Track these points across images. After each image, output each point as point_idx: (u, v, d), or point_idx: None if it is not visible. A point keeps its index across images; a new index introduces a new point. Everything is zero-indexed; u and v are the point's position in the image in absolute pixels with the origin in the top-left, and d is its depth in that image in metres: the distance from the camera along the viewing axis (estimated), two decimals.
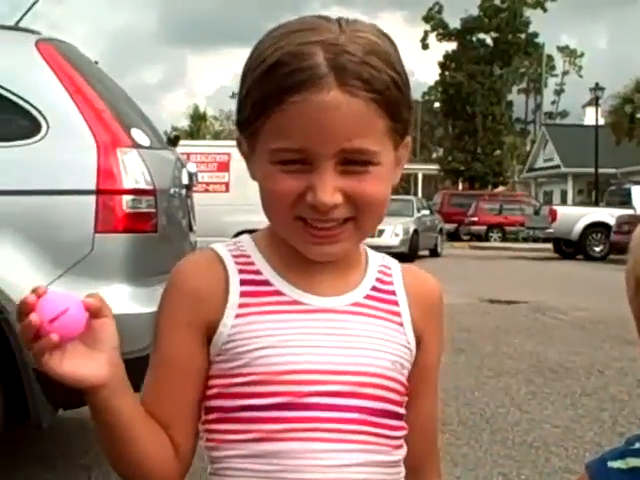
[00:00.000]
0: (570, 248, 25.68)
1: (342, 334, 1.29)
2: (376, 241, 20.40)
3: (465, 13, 64.73)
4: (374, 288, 1.35)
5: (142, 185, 4.14)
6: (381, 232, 21.54)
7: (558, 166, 51.42)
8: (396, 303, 1.35)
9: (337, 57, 1.19)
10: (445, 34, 66.27)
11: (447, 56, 64.17)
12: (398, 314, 1.35)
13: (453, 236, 38.01)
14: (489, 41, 64.73)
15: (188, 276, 1.32)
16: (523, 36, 64.64)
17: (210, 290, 1.30)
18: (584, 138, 42.79)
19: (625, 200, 26.77)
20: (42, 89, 4.21)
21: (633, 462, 1.21)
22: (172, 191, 4.73)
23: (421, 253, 24.48)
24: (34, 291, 1.14)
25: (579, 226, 25.01)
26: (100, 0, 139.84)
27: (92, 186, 4.02)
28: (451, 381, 6.61)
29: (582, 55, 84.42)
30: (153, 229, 4.23)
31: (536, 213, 30.48)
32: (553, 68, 78.45)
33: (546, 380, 7.14)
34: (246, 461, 1.27)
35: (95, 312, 1.18)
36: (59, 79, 4.18)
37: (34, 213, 4.05)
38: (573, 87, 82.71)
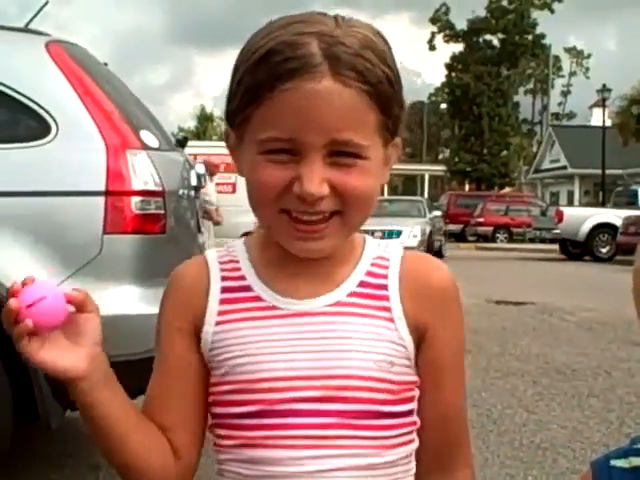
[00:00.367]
0: (577, 249, 25.62)
1: (319, 337, 1.27)
2: (394, 242, 20.50)
3: (472, 14, 64.80)
4: (362, 283, 1.31)
5: (151, 186, 4.16)
6: (399, 233, 21.50)
7: (565, 167, 51.35)
8: (387, 298, 1.30)
9: (332, 47, 1.18)
10: (452, 35, 66.33)
11: (454, 57, 64.25)
12: (388, 309, 1.29)
13: (459, 237, 38.01)
14: (496, 42, 64.78)
15: (177, 283, 1.36)
16: (530, 37, 64.64)
17: (194, 297, 1.32)
18: (591, 139, 42.75)
19: (632, 201, 26.79)
20: (52, 91, 4.23)
21: (636, 461, 1.22)
22: (181, 192, 4.75)
23: None
24: (23, 280, 1.18)
25: (586, 227, 24.95)
26: (107, 1, 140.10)
27: (101, 187, 4.04)
28: None
29: (589, 56, 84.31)
30: (162, 230, 4.24)
31: (543, 214, 30.51)
32: (560, 69, 78.34)
33: (553, 381, 7.14)
34: (240, 466, 1.28)
35: (78, 305, 1.21)
36: (69, 81, 4.20)
37: (43, 214, 4.07)
38: (580, 88, 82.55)
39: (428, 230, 23.25)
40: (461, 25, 65.60)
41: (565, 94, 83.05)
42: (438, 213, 27.09)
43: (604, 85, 40.98)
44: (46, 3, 5.57)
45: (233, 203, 12.66)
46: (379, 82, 1.20)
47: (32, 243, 3.97)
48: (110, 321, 4.14)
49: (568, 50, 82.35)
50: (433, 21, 68.22)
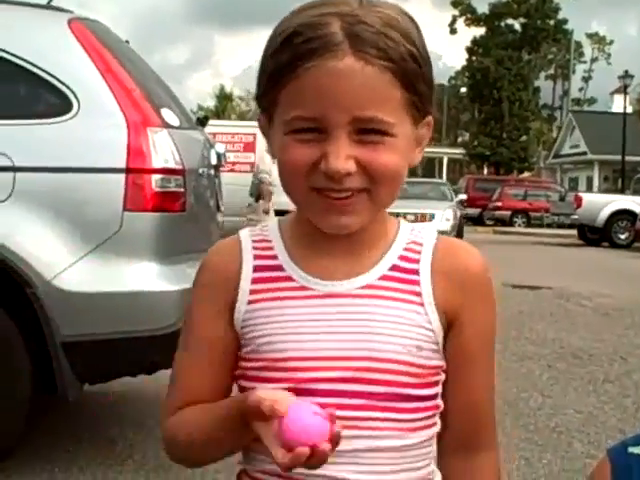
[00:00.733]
0: (595, 235, 25.50)
1: (348, 319, 1.28)
2: (429, 227, 20.27)
3: None
4: (394, 267, 1.32)
5: (171, 165, 4.17)
6: (432, 216, 21.15)
7: (584, 153, 51.10)
8: (417, 283, 1.31)
9: (353, 26, 1.19)
10: (473, 19, 65.94)
11: (475, 41, 63.84)
12: (418, 294, 1.30)
13: (477, 221, 37.84)
14: (517, 27, 64.33)
15: (212, 261, 1.38)
16: (552, 22, 64.16)
17: (227, 276, 1.33)
18: (611, 125, 42.49)
19: None
20: (74, 68, 4.24)
21: None
22: (201, 171, 4.76)
23: None
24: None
25: (604, 213, 24.82)
26: None
27: (122, 164, 4.06)
28: None
29: (611, 42, 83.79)
30: (181, 208, 4.26)
31: (561, 199, 30.34)
32: (582, 55, 77.86)
33: (569, 366, 7.13)
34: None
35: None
36: (91, 58, 4.21)
37: (64, 190, 4.09)
38: (601, 74, 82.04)
39: (459, 214, 22.85)
40: (483, 9, 65.27)
41: (586, 80, 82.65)
42: (463, 196, 26.82)
43: (626, 71, 40.67)
44: None
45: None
46: (402, 59, 1.21)
47: (52, 219, 4.00)
48: (129, 297, 4.22)
49: (590, 36, 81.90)
50: (454, 4, 67.78)
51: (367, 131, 1.21)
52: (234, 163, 12.81)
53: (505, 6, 63.64)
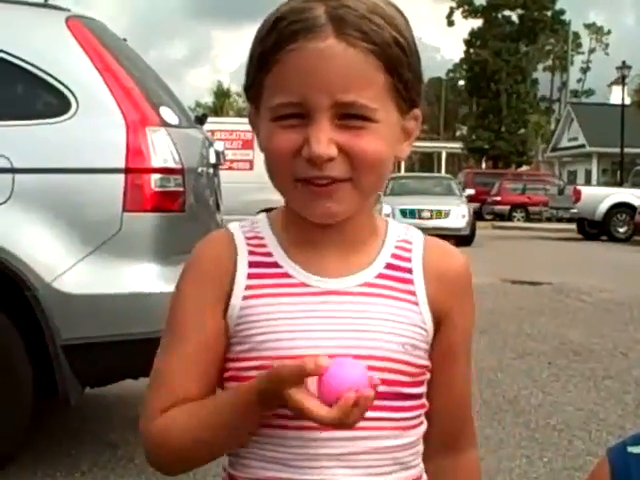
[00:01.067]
0: (594, 229, 25.52)
1: (348, 317, 1.26)
2: (442, 222, 19.79)
3: None
4: (389, 265, 1.31)
5: (170, 164, 4.16)
6: (447, 213, 20.76)
7: (583, 145, 51.07)
8: (411, 282, 1.30)
9: (337, 9, 1.19)
10: (471, 11, 65.78)
11: (472, 33, 63.74)
12: (413, 293, 1.30)
13: (476, 215, 37.79)
14: (515, 18, 64.16)
15: (202, 256, 1.33)
16: (549, 13, 64.03)
17: (220, 271, 1.30)
18: (610, 117, 42.40)
19: None
20: (72, 67, 4.23)
21: None
22: (200, 170, 4.74)
23: None
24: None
25: (603, 206, 24.82)
26: None
27: (121, 165, 4.05)
28: (473, 362, 6.60)
29: (609, 32, 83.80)
30: (181, 208, 4.25)
31: (560, 193, 30.26)
32: (579, 46, 77.82)
33: (569, 362, 7.13)
34: (262, 447, 1.27)
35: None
36: (89, 57, 4.20)
37: (63, 191, 4.08)
38: (599, 65, 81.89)
39: (472, 210, 22.40)
40: (480, 0, 65.15)
41: (584, 71, 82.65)
42: (471, 192, 26.58)
43: (624, 62, 40.67)
44: None
45: (251, 180, 12.66)
46: (386, 44, 1.20)
47: (52, 221, 3.98)
48: (129, 299, 4.20)
49: (588, 26, 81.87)
50: None
51: (349, 116, 1.20)
52: (232, 161, 12.76)
53: None
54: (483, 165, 60.67)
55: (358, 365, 1.15)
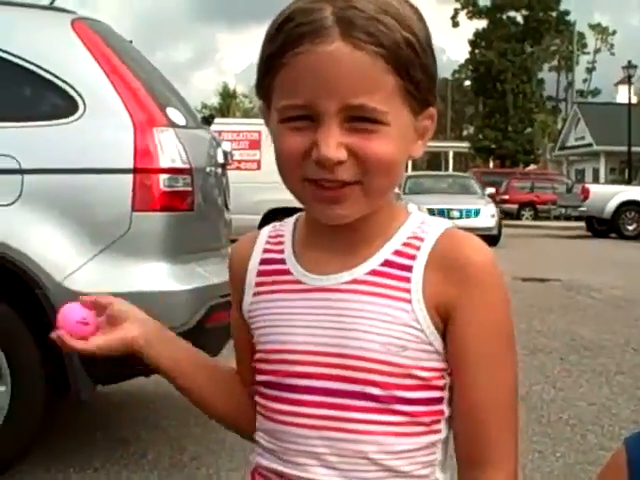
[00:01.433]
0: (603, 226, 25.46)
1: (330, 314, 1.25)
2: (473, 222, 19.29)
3: None
4: (386, 262, 1.26)
5: (178, 164, 4.16)
6: (477, 212, 20.48)
7: (590, 144, 50.95)
8: (408, 280, 1.23)
9: (344, 11, 1.16)
10: (475, 12, 65.79)
11: (477, 34, 63.75)
12: (407, 290, 1.23)
13: None
14: (520, 19, 64.17)
15: (230, 256, 1.43)
16: (554, 14, 63.97)
17: (239, 269, 1.37)
18: (616, 116, 42.33)
19: None
20: (78, 69, 4.24)
21: None
22: (208, 170, 4.74)
23: None
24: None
25: (612, 204, 24.77)
26: None
27: (129, 165, 4.06)
28: None
29: (614, 33, 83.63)
30: (189, 207, 4.25)
31: (568, 191, 30.23)
32: (585, 46, 77.69)
33: (581, 358, 7.12)
34: (262, 436, 1.32)
35: (95, 306, 1.37)
36: (95, 58, 4.21)
37: (72, 192, 4.09)
38: (605, 65, 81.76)
39: (498, 210, 22.00)
40: (484, 1, 65.12)
41: (590, 71, 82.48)
42: (492, 190, 26.37)
43: (629, 62, 40.59)
44: None
45: (258, 180, 12.68)
46: (396, 45, 1.17)
47: (61, 221, 4.00)
48: (140, 298, 4.18)
49: (593, 26, 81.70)
50: None
51: (358, 119, 1.18)
52: (239, 161, 12.78)
53: None
54: (490, 164, 60.61)
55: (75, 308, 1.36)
